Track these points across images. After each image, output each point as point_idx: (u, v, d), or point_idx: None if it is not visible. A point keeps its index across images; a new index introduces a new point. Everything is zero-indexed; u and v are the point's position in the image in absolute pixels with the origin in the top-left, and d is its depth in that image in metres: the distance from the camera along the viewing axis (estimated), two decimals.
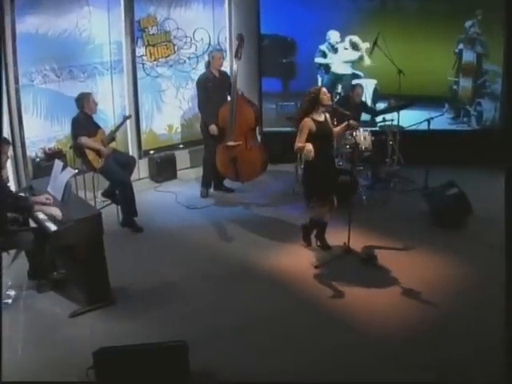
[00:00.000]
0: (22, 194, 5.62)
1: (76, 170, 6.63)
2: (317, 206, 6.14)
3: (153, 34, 8.30)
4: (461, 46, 8.61)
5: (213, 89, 7.46)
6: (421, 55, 8.45)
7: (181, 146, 8.87)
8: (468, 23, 8.48)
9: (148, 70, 8.37)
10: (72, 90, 7.35)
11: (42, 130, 7.54)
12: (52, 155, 7.12)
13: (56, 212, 4.99)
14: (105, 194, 7.07)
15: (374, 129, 8.10)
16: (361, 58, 8.73)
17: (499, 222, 4.08)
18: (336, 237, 6.32)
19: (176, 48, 8.53)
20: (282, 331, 4.92)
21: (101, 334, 4.86)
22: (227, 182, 8.00)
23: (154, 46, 8.34)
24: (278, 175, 8.45)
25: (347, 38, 8.68)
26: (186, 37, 8.59)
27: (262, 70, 8.93)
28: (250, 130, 7.48)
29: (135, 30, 8.10)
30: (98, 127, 6.97)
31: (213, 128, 7.46)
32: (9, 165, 6.80)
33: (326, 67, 8.81)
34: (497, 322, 4.27)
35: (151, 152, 8.59)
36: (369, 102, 8.68)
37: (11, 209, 5.15)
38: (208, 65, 7.69)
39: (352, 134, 6.96)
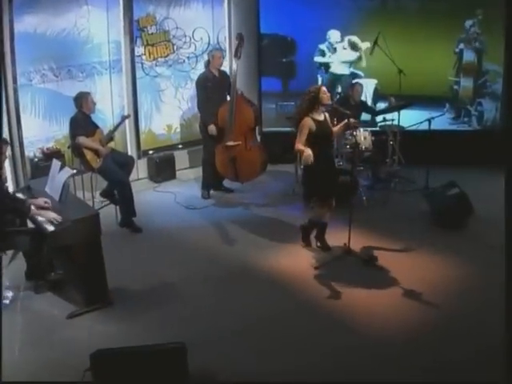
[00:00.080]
0: (20, 195, 5.56)
1: (74, 171, 6.61)
2: (316, 207, 6.12)
3: (152, 34, 8.28)
4: (461, 45, 8.59)
5: (212, 88, 7.43)
6: (421, 55, 8.43)
7: (180, 146, 8.84)
8: (469, 23, 8.47)
9: (147, 69, 8.35)
10: (70, 90, 7.32)
11: (41, 129, 7.51)
12: (50, 155, 7.08)
13: (54, 216, 4.93)
14: (103, 194, 7.02)
15: (374, 129, 8.07)
16: (359, 59, 8.72)
17: (500, 222, 4.04)
18: (336, 237, 6.28)
19: (175, 47, 8.51)
20: (282, 333, 4.89)
21: (98, 335, 4.81)
22: (226, 183, 7.97)
23: (153, 45, 8.31)
24: (277, 175, 8.42)
25: (346, 38, 8.66)
26: (186, 36, 8.56)
27: (261, 70, 8.90)
28: (249, 129, 7.45)
29: (134, 30, 8.08)
30: (97, 127, 6.93)
31: (212, 128, 7.43)
32: (7, 165, 6.76)
33: (326, 67, 8.79)
34: (498, 323, 4.23)
35: (150, 152, 8.57)
36: (369, 102, 8.67)
37: (8, 210, 5.10)
38: (207, 64, 7.64)
39: (352, 134, 6.93)
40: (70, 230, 4.84)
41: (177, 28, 8.45)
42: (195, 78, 7.94)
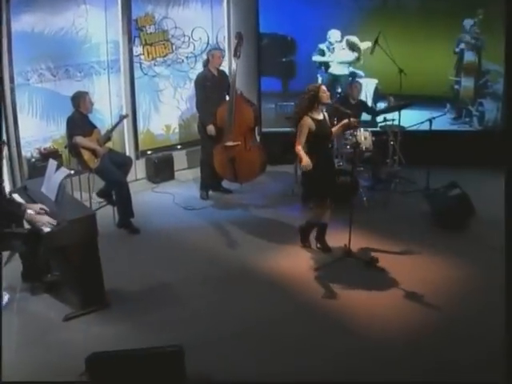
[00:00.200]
0: (16, 195, 5.50)
1: (72, 171, 6.57)
2: (314, 207, 6.09)
3: (150, 33, 8.23)
4: (462, 45, 8.55)
5: (211, 88, 7.39)
6: (422, 54, 8.39)
7: (178, 146, 8.79)
8: (469, 22, 8.43)
9: (145, 69, 8.30)
10: (68, 90, 7.25)
11: (38, 129, 7.46)
12: (48, 155, 7.01)
13: (48, 220, 4.86)
14: (100, 194, 6.97)
15: (374, 129, 8.03)
16: (358, 59, 8.67)
17: (502, 223, 4.00)
18: (336, 238, 6.25)
19: (174, 47, 8.46)
20: (281, 335, 4.84)
21: (95, 338, 4.76)
22: (225, 183, 7.92)
23: (151, 45, 8.26)
24: (277, 176, 8.38)
25: (345, 38, 8.62)
26: (184, 36, 8.51)
27: (261, 70, 8.86)
28: (249, 129, 7.41)
29: (133, 29, 8.03)
30: (94, 127, 6.87)
31: (210, 128, 7.38)
32: (4, 165, 6.69)
33: (326, 66, 8.75)
34: (500, 325, 4.17)
35: (148, 152, 8.52)
36: (369, 102, 8.63)
37: (3, 212, 5.03)
38: (206, 64, 7.58)
39: (353, 134, 6.88)
40: (66, 231, 4.79)
41: (176, 27, 8.40)
42: (194, 77, 7.89)
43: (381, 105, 8.65)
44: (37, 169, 7.03)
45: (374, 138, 7.50)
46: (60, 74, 7.50)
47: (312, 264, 5.98)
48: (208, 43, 8.66)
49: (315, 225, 6.21)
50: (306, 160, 5.62)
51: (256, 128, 7.81)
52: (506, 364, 3.57)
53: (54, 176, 5.25)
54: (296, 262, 6.04)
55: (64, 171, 5.25)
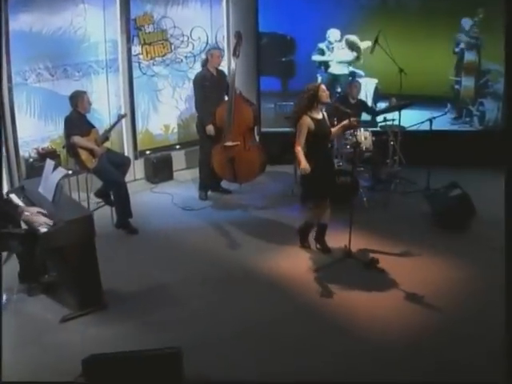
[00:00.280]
0: (13, 195, 5.46)
1: (70, 171, 6.55)
2: (313, 208, 6.09)
3: (149, 33, 8.20)
4: (462, 45, 8.52)
5: (210, 88, 7.35)
6: (422, 54, 8.36)
7: (177, 146, 8.77)
8: (467, 22, 8.40)
9: (144, 68, 8.27)
10: (66, 89, 7.21)
11: (36, 129, 7.43)
12: (45, 155, 6.97)
13: (45, 221, 4.82)
14: (98, 194, 6.93)
15: (374, 129, 7.99)
16: (357, 59, 8.65)
17: (502, 223, 3.96)
18: (336, 239, 6.21)
19: (173, 47, 8.43)
20: (281, 336, 4.80)
21: (92, 339, 4.72)
22: (224, 184, 7.89)
23: (150, 44, 8.23)
24: (276, 176, 8.35)
25: (344, 38, 8.59)
26: (183, 35, 8.49)
27: (260, 69, 8.83)
28: (248, 129, 7.39)
29: (131, 29, 8.00)
30: (92, 126, 6.84)
31: (210, 128, 7.35)
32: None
33: (325, 66, 8.71)
34: (501, 324, 4.14)
35: (147, 152, 8.49)
36: (369, 102, 8.61)
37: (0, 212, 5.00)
38: (205, 63, 7.54)
39: (353, 134, 6.85)
40: (63, 231, 4.75)
41: (174, 27, 8.37)
42: (193, 77, 7.84)
43: (381, 105, 8.63)
44: (35, 169, 7.01)
45: (374, 138, 7.48)
46: (58, 73, 7.47)
47: (312, 265, 5.94)
48: (207, 43, 8.63)
49: (313, 225, 6.19)
50: (304, 164, 5.60)
51: (255, 128, 7.79)
52: (505, 364, 3.55)
53: (52, 176, 5.22)
54: (296, 263, 6.01)
55: (61, 171, 5.22)
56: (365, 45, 8.42)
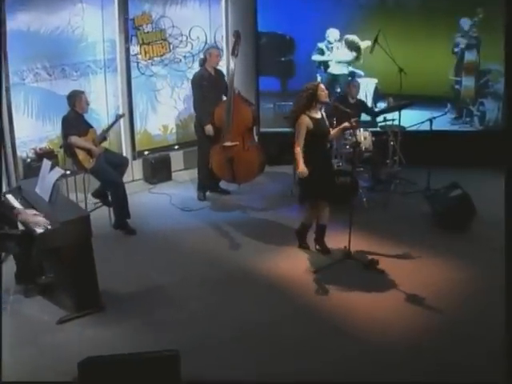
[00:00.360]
0: (10, 196, 5.42)
1: (67, 172, 6.52)
2: (309, 208, 6.09)
3: (147, 32, 8.16)
4: (462, 45, 8.49)
5: (208, 88, 7.32)
6: (422, 54, 8.34)
7: (176, 146, 8.73)
8: (466, 21, 8.37)
9: (143, 68, 8.23)
10: (64, 89, 7.17)
11: (34, 129, 7.40)
12: (43, 156, 6.94)
13: (41, 221, 4.78)
14: (95, 195, 6.90)
15: (374, 129, 7.95)
16: (357, 59, 8.62)
17: (503, 223, 3.98)
18: (336, 240, 6.18)
19: (171, 47, 8.39)
20: (280, 338, 4.77)
21: (90, 341, 4.69)
22: (223, 184, 7.85)
23: (148, 44, 8.20)
24: (275, 177, 8.32)
25: (343, 38, 8.56)
26: (182, 35, 8.45)
27: (259, 69, 8.80)
28: (247, 129, 7.35)
29: (129, 28, 7.97)
30: (90, 126, 6.79)
31: (209, 128, 7.32)
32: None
33: (325, 66, 8.69)
34: (501, 324, 4.11)
35: (145, 153, 8.45)
36: (369, 102, 8.58)
37: None
38: (203, 63, 7.51)
39: (352, 134, 6.81)
40: (60, 232, 4.72)
41: (173, 27, 8.33)
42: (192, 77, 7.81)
43: (381, 105, 8.59)
44: (32, 169, 6.98)
45: (373, 138, 7.45)
46: (56, 73, 7.45)
47: (311, 266, 5.90)
48: (206, 42, 8.59)
49: (310, 226, 6.18)
50: (302, 167, 5.59)
51: (254, 128, 7.76)
52: (505, 364, 3.54)
53: (48, 176, 5.19)
54: (295, 264, 5.97)
55: (58, 171, 5.18)
56: (364, 44, 8.40)
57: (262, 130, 8.76)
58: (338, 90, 8.66)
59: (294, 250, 6.25)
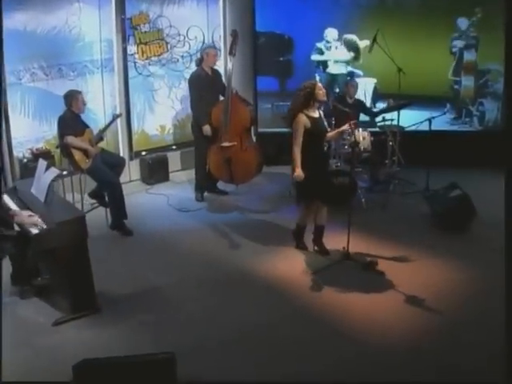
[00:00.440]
0: (5, 196, 5.37)
1: (64, 172, 6.48)
2: (303, 208, 6.08)
3: (145, 32, 8.13)
4: (460, 44, 8.47)
5: (205, 87, 7.28)
6: (421, 53, 8.32)
7: (173, 147, 8.69)
8: (466, 22, 8.36)
9: (140, 68, 8.19)
10: (61, 89, 7.11)
11: (30, 129, 7.35)
12: (39, 156, 6.88)
13: (38, 221, 4.74)
14: (92, 195, 6.86)
15: (373, 129, 7.91)
16: (356, 58, 8.59)
17: (503, 224, 3.94)
18: (335, 241, 6.14)
19: (169, 46, 8.36)
20: (278, 340, 4.72)
21: (86, 342, 4.65)
22: (221, 185, 7.81)
23: (146, 44, 8.16)
24: (273, 177, 8.28)
25: (342, 37, 8.54)
26: (180, 35, 8.42)
27: (257, 69, 8.77)
28: (245, 129, 7.31)
29: (127, 28, 7.94)
30: (86, 126, 6.75)
31: (207, 128, 7.28)
32: None
33: (324, 65, 8.65)
34: (501, 325, 4.08)
35: (143, 153, 8.42)
36: (368, 102, 8.56)
37: None
38: (199, 62, 7.45)
39: (351, 134, 6.77)
40: (55, 233, 4.67)
41: (170, 26, 8.30)
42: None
43: (380, 105, 8.56)
44: (29, 169, 6.91)
45: (372, 138, 7.40)
46: (53, 73, 7.40)
47: (310, 267, 5.86)
48: (204, 42, 8.55)
49: (305, 227, 6.16)
50: (298, 171, 5.58)
51: (252, 128, 7.72)
52: (506, 365, 3.51)
53: (44, 176, 5.14)
54: (293, 265, 5.93)
55: (54, 171, 5.13)
56: (363, 44, 8.38)
57: (260, 130, 8.73)
58: (337, 90, 8.63)
59: (292, 251, 6.21)
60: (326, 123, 5.87)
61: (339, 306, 5.21)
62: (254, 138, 8.10)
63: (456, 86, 8.64)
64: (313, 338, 4.75)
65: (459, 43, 8.47)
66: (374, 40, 7.63)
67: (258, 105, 8.72)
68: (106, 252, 6.02)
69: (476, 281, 5.58)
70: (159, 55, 8.30)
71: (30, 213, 4.90)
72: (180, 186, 8.24)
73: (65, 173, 6.71)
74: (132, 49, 8.03)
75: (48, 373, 4.28)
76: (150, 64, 8.24)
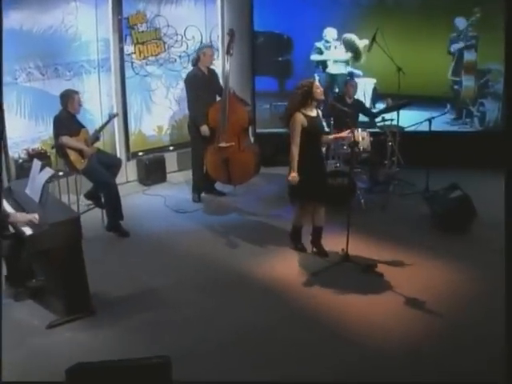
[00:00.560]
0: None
1: (60, 173, 6.41)
2: (297, 209, 6.04)
3: (142, 32, 8.08)
4: (458, 44, 8.43)
5: (202, 87, 7.23)
6: (421, 53, 8.29)
7: (171, 147, 8.64)
8: (464, 21, 8.33)
9: (137, 68, 8.14)
10: (57, 89, 7.05)
11: (26, 130, 7.30)
12: (35, 156, 6.84)
13: (31, 219, 4.67)
14: (87, 196, 6.81)
15: (372, 130, 7.85)
16: (355, 58, 8.56)
17: (503, 225, 3.91)
18: (334, 242, 6.09)
19: (166, 46, 8.32)
20: (276, 343, 4.68)
21: (80, 345, 4.60)
22: (218, 185, 7.77)
23: (143, 43, 8.12)
24: (271, 178, 8.23)
25: (341, 37, 8.51)
26: (177, 35, 8.37)
27: (256, 69, 8.74)
28: (242, 130, 7.27)
29: (124, 27, 7.89)
30: (82, 126, 6.69)
31: (204, 129, 7.23)
32: None
33: (323, 65, 8.62)
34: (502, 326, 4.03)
35: (140, 154, 8.37)
36: (368, 102, 8.53)
37: None
38: (196, 62, 7.40)
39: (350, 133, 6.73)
40: (49, 234, 4.61)
41: (168, 26, 8.25)
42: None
43: (379, 105, 8.52)
44: (24, 170, 6.85)
45: (371, 139, 7.34)
46: (49, 72, 7.36)
47: (308, 269, 5.81)
48: (201, 42, 8.50)
49: (300, 227, 6.12)
50: (293, 175, 5.54)
51: (250, 128, 7.67)
52: (506, 368, 3.48)
53: (38, 177, 5.09)
54: (291, 267, 5.89)
55: (48, 171, 5.07)
56: (362, 44, 8.36)
57: (258, 130, 8.70)
58: (336, 90, 8.59)
59: (290, 252, 6.17)
60: (324, 123, 5.81)
61: (338, 308, 5.16)
62: (252, 139, 8.05)
63: (456, 87, 8.61)
64: (311, 341, 4.71)
65: (459, 43, 8.43)
66: (373, 39, 7.60)
67: (257, 105, 8.69)
68: (102, 253, 5.99)
69: (476, 282, 5.54)
70: (156, 55, 8.25)
71: (23, 214, 4.85)
72: (177, 186, 8.20)
73: (60, 173, 6.65)
74: (129, 48, 7.99)
75: (42, 375, 4.22)
76: (147, 64, 8.19)
